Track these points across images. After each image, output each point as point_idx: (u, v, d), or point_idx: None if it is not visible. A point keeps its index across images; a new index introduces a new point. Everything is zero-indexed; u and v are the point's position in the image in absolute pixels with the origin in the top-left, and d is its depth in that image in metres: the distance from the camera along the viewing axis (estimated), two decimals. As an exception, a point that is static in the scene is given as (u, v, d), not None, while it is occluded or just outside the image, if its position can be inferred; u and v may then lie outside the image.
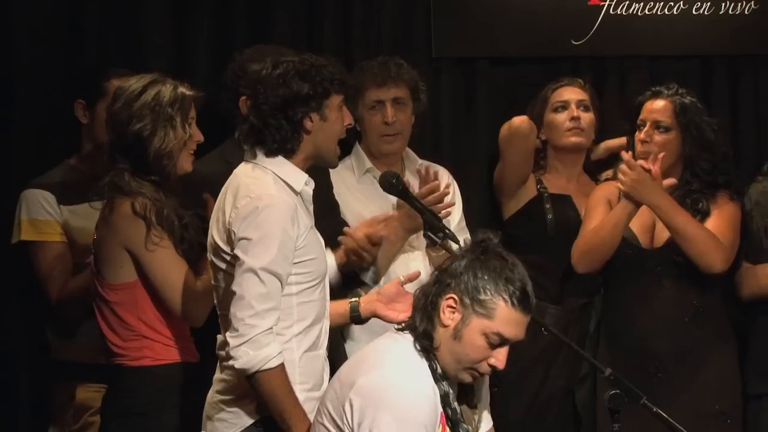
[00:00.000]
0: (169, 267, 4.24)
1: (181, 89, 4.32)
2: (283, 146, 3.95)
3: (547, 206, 5.17)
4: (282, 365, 3.84)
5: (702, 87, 5.85)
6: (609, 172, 5.14)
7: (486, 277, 3.63)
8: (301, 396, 3.88)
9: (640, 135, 4.89)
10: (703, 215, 4.86)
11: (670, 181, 4.80)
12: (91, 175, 4.88)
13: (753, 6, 5.81)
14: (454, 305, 3.65)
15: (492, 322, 3.62)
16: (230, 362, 3.84)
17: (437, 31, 5.69)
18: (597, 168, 5.36)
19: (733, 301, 5.14)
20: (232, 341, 3.82)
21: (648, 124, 4.89)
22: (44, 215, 4.85)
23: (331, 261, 4.34)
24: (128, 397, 4.27)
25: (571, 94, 5.23)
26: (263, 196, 3.87)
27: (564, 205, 5.17)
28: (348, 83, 4.04)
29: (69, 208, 4.87)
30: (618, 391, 3.89)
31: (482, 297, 3.62)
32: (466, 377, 3.70)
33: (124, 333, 4.28)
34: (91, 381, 4.80)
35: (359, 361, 3.72)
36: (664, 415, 3.93)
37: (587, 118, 5.20)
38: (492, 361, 3.65)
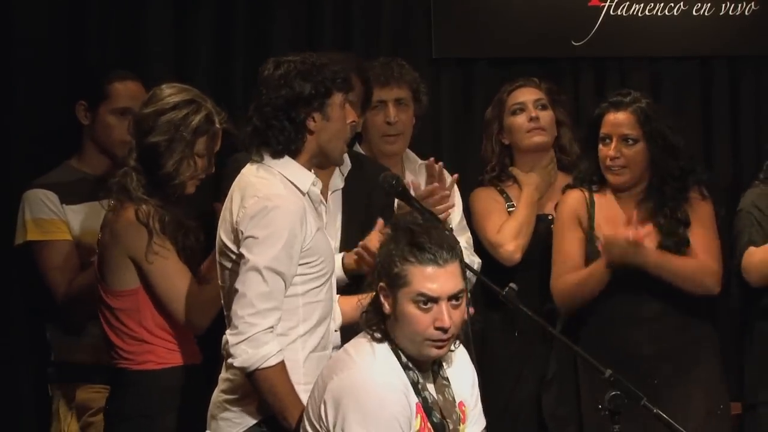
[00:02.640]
0: (172, 275, 4.24)
1: (214, 120, 4.30)
2: (287, 147, 3.94)
3: None
4: (282, 363, 3.84)
5: (702, 88, 5.87)
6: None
7: (393, 252, 3.70)
8: (305, 396, 3.86)
9: (609, 151, 4.82)
10: (684, 225, 4.83)
11: (645, 230, 4.75)
12: (92, 175, 4.89)
13: (753, 7, 5.81)
14: (385, 292, 3.72)
15: (411, 286, 3.68)
16: (229, 360, 3.84)
17: (437, 32, 5.70)
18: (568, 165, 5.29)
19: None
20: (231, 339, 3.83)
21: (614, 138, 4.83)
22: (48, 214, 4.84)
23: (337, 262, 4.34)
24: (133, 401, 4.27)
25: (527, 94, 5.15)
26: (272, 197, 3.87)
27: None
28: (350, 81, 4.04)
29: (71, 207, 4.86)
30: (618, 392, 3.88)
31: (395, 270, 3.69)
32: (428, 351, 3.72)
33: (127, 338, 4.29)
34: (91, 382, 4.79)
35: (334, 363, 3.76)
36: (665, 416, 3.92)
37: (546, 116, 5.14)
38: (437, 323, 3.69)
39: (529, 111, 5.11)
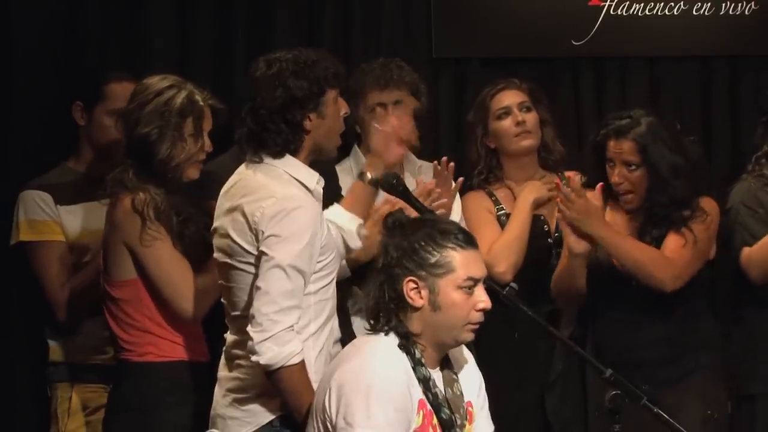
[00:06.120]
0: (166, 262, 4.23)
1: (197, 98, 4.31)
2: (286, 147, 3.95)
3: None
4: (303, 362, 3.84)
5: (702, 88, 5.86)
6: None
7: (423, 243, 3.69)
8: None
9: (613, 176, 4.81)
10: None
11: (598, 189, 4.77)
12: (88, 176, 4.89)
13: (753, 6, 5.81)
14: (416, 285, 3.69)
15: (457, 272, 3.68)
16: (254, 358, 3.81)
17: (437, 32, 5.69)
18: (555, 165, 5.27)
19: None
20: (255, 336, 3.81)
21: (617, 163, 4.83)
22: (42, 216, 4.85)
23: (352, 226, 4.26)
24: (131, 393, 4.26)
25: (511, 98, 5.11)
26: (291, 197, 3.87)
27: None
28: (341, 75, 4.02)
29: (66, 208, 4.87)
30: (619, 392, 3.87)
31: (434, 260, 3.68)
32: (467, 335, 3.75)
33: (129, 329, 4.28)
34: (89, 381, 4.80)
35: (341, 356, 3.77)
36: (665, 415, 3.92)
37: (531, 118, 5.11)
38: (479, 305, 3.72)
39: (515, 115, 5.07)
